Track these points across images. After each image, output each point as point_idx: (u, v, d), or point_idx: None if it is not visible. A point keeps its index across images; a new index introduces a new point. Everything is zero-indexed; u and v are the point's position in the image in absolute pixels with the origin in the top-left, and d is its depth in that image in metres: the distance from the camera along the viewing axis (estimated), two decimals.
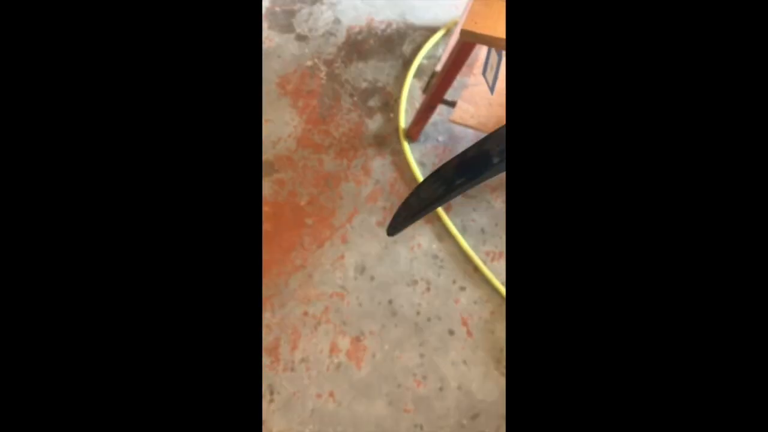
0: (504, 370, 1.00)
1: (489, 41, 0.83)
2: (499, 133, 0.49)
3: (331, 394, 1.00)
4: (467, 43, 0.88)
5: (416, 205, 0.54)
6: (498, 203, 1.15)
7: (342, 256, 1.11)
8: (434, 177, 0.53)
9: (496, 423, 0.96)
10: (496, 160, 0.48)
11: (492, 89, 0.96)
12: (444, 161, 1.20)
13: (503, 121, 1.06)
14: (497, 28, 0.82)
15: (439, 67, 1.10)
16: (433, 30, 1.31)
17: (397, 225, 0.56)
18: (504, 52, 0.87)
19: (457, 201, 1.14)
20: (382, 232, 1.13)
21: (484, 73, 0.94)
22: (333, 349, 1.04)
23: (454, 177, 0.51)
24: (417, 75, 1.28)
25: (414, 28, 1.33)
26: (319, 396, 1.00)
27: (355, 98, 1.28)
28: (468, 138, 1.19)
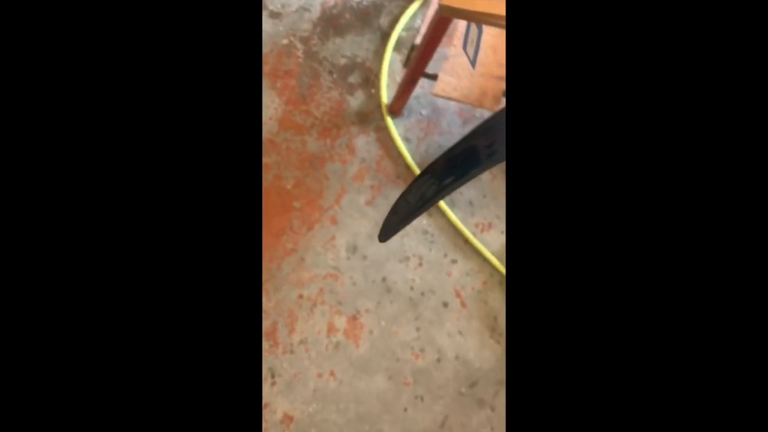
0: (498, 338, 1.02)
1: (468, 16, 0.82)
2: (484, 127, 0.48)
3: (332, 373, 1.02)
4: (445, 17, 0.87)
5: (406, 210, 0.54)
6: (485, 175, 1.16)
7: (333, 238, 1.11)
8: (422, 179, 0.53)
9: (494, 389, 0.99)
10: (483, 156, 0.47)
11: (473, 63, 0.95)
12: (429, 135, 1.19)
13: (486, 92, 1.06)
14: (476, 2, 0.80)
15: (418, 41, 1.08)
16: (409, 0, 1.28)
17: (388, 231, 0.56)
18: (483, 26, 0.85)
19: None
20: (372, 211, 1.13)
21: (464, 47, 0.93)
22: (330, 329, 1.05)
23: (442, 177, 0.51)
24: (396, 48, 1.25)
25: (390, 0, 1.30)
26: (320, 375, 1.02)
27: (335, 75, 1.25)
28: (452, 110, 1.18)
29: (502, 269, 1.06)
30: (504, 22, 0.83)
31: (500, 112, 0.46)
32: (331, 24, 1.30)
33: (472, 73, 1.05)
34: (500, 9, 0.79)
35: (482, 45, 1.06)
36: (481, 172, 0.49)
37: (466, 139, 0.48)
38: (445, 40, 0.99)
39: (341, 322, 1.05)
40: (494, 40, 1.00)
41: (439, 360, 1.02)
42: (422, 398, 0.99)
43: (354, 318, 1.05)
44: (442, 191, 0.50)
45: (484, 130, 0.47)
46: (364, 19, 1.29)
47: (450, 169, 0.49)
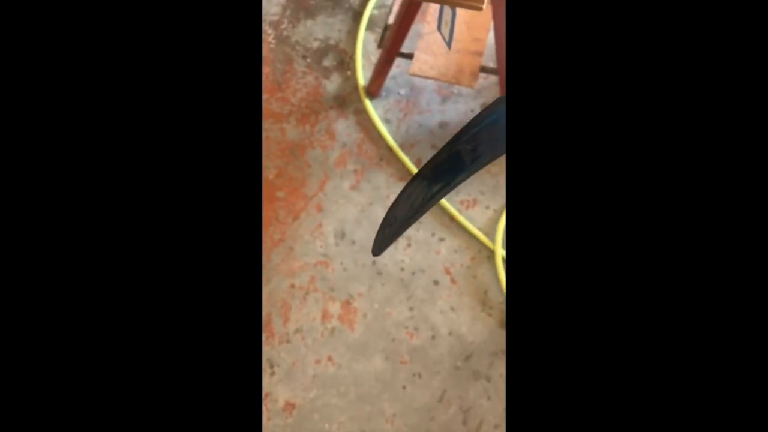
0: (490, 311, 1.05)
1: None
2: (467, 132, 0.47)
3: (330, 358, 1.03)
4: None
5: (397, 223, 0.53)
6: None
7: (320, 225, 1.11)
8: (410, 188, 0.52)
9: (488, 360, 1.02)
10: (468, 161, 0.47)
11: (449, 44, 0.95)
12: (408, 114, 1.19)
13: (463, 68, 1.05)
14: None
15: (391, 20, 1.06)
16: None
17: (381, 244, 0.55)
18: (456, 9, 0.84)
19: (428, 155, 1.13)
20: (357, 195, 1.13)
21: (439, 28, 0.92)
22: (325, 316, 1.06)
23: (430, 185, 0.50)
24: (369, 27, 1.23)
25: None
26: (318, 362, 1.03)
27: (309, 60, 1.23)
28: (430, 88, 1.18)
29: (490, 244, 1.07)
30: (479, 4, 0.82)
31: (480, 113, 0.46)
32: (300, 6, 1.27)
33: (448, 51, 1.04)
34: None
35: (456, 27, 1.05)
36: (466, 177, 0.48)
37: (449, 145, 0.47)
38: (418, 16, 0.98)
39: (335, 308, 1.06)
40: (467, 15, 0.99)
41: (433, 337, 1.04)
42: (420, 375, 1.02)
43: (347, 303, 1.07)
44: (431, 200, 0.49)
45: (466, 133, 0.47)
46: None
47: (437, 176, 0.49)
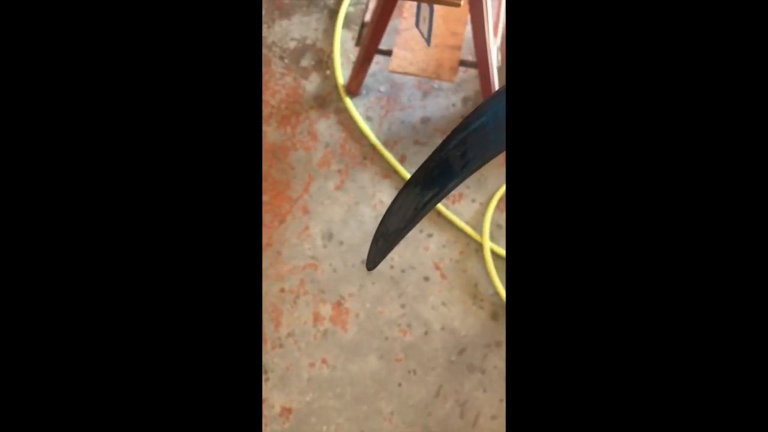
0: (481, 304, 1.06)
1: None
2: (455, 137, 0.47)
3: (324, 361, 1.03)
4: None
5: (389, 235, 0.52)
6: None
7: (306, 227, 1.10)
8: (401, 199, 0.51)
9: (482, 352, 1.03)
10: (457, 168, 0.46)
11: (428, 41, 0.94)
12: (390, 111, 1.18)
13: (442, 63, 1.05)
14: None
15: (368, 17, 1.05)
16: None
17: (376, 258, 0.54)
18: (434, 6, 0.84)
19: (411, 152, 1.13)
20: (343, 196, 1.12)
21: (417, 25, 0.91)
22: (317, 319, 1.05)
23: (421, 194, 0.49)
24: (346, 25, 1.22)
25: None
26: (312, 365, 1.03)
27: (286, 60, 1.21)
28: (410, 84, 1.17)
29: (477, 237, 1.08)
30: (457, 1, 0.82)
31: (467, 118, 0.45)
32: (275, 5, 1.25)
33: (427, 46, 1.04)
34: None
35: (435, 23, 1.05)
36: (458, 183, 0.48)
37: (438, 152, 0.47)
38: (395, 12, 0.97)
39: (326, 310, 1.06)
40: (444, 10, 0.98)
41: (426, 333, 1.04)
42: (415, 372, 1.02)
43: (339, 304, 1.06)
44: (423, 209, 0.49)
45: (454, 138, 0.46)
46: None
47: (427, 184, 0.48)
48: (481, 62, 1.01)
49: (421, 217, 0.50)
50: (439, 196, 0.48)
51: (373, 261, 0.54)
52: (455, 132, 0.46)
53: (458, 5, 0.82)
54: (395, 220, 0.51)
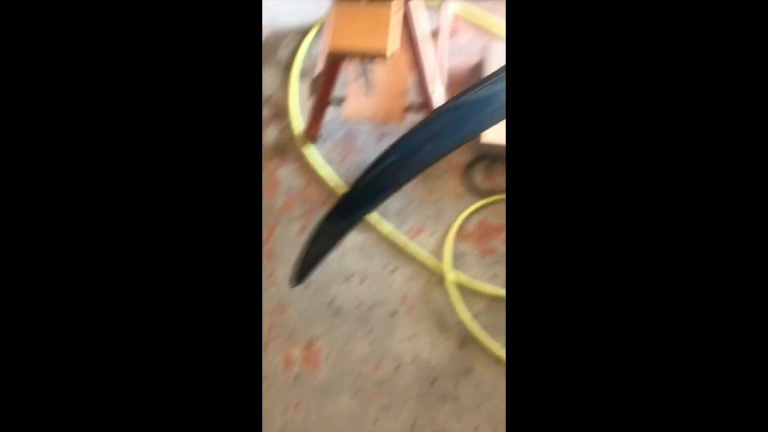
0: (448, 334, 1.08)
1: (356, 54, 0.88)
2: (365, 177, 0.53)
3: (297, 405, 1.03)
4: (336, 58, 0.92)
5: (312, 257, 0.59)
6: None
7: (272, 273, 1.12)
8: (322, 226, 0.57)
9: (453, 381, 1.04)
10: (368, 198, 0.52)
11: (368, 90, 1.02)
12: (348, 155, 1.23)
13: (392, 108, 1.12)
14: (357, 42, 0.86)
15: (318, 70, 1.12)
16: (305, 31, 1.33)
17: (300, 275, 0.61)
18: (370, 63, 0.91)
19: None
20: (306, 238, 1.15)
21: (362, 75, 0.99)
22: (288, 362, 1.06)
23: (338, 222, 0.55)
24: (303, 76, 1.29)
25: (285, 33, 1.33)
26: (285, 411, 1.02)
27: None
28: (365, 129, 1.23)
29: (440, 268, 1.12)
30: (382, 53, 0.88)
31: (377, 159, 0.51)
32: None
33: (378, 92, 1.11)
34: (381, 44, 0.85)
35: (380, 67, 1.12)
36: (370, 211, 0.53)
37: (351, 188, 0.52)
38: (345, 64, 1.04)
39: (297, 353, 1.06)
40: (391, 59, 1.06)
41: (397, 366, 1.06)
42: (389, 407, 1.03)
43: (308, 346, 1.07)
44: (341, 234, 0.54)
45: (364, 178, 0.52)
46: (265, 54, 1.31)
47: (343, 214, 0.53)
48: (426, 104, 1.08)
49: (339, 242, 0.55)
50: (353, 224, 0.53)
51: (298, 278, 0.60)
52: (366, 171, 0.53)
53: (384, 56, 0.88)
54: (318, 246, 0.57)
